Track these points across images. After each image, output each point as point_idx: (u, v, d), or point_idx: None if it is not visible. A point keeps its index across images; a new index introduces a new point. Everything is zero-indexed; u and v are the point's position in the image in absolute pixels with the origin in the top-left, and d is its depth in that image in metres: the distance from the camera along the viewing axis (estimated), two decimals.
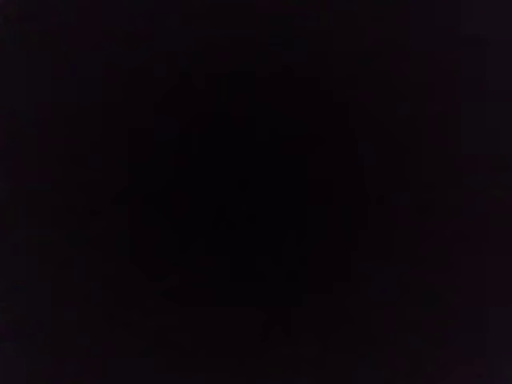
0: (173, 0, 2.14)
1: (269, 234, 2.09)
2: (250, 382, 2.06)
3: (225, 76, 2.12)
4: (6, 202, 2.10)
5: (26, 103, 2.12)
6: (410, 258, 2.09)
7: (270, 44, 2.13)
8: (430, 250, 2.09)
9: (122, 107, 2.12)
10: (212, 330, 2.08)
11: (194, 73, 2.12)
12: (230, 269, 2.09)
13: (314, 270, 2.09)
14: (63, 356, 2.08)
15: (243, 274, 2.08)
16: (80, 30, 2.13)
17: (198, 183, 2.11)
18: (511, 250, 2.09)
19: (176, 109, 2.12)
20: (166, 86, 2.12)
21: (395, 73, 2.12)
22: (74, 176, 2.11)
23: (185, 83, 2.12)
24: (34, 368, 2.07)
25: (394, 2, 2.13)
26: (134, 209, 2.10)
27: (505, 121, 2.12)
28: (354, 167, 2.10)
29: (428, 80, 2.13)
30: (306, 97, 2.12)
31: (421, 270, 2.09)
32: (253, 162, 2.11)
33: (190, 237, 2.09)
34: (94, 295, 2.08)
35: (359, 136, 2.11)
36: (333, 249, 2.09)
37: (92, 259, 2.09)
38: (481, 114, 2.12)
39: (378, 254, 2.09)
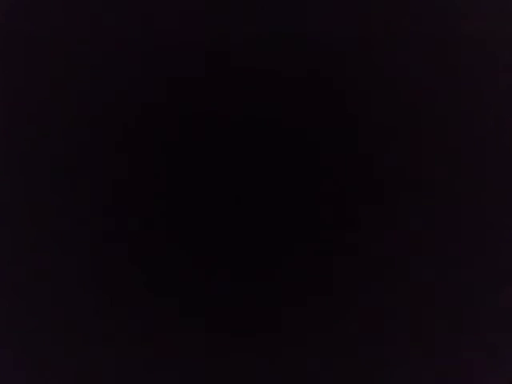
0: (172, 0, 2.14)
1: (268, 235, 2.10)
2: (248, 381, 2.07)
3: (225, 76, 2.13)
4: (6, 203, 2.11)
5: (25, 103, 2.13)
6: (410, 259, 2.09)
7: (269, 43, 2.13)
8: (430, 250, 2.10)
9: (121, 108, 2.12)
10: (210, 329, 2.08)
11: (193, 73, 2.13)
12: (231, 269, 2.09)
13: (313, 269, 2.09)
14: (63, 356, 2.08)
15: (244, 273, 2.09)
16: (80, 29, 2.13)
17: (196, 184, 2.11)
18: (511, 250, 2.09)
19: (175, 109, 2.12)
20: (164, 86, 2.13)
21: (396, 72, 2.12)
22: (73, 176, 2.11)
23: (184, 84, 2.12)
24: (33, 368, 2.08)
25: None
26: (133, 210, 2.10)
27: (505, 121, 2.12)
28: (354, 166, 2.11)
29: (428, 81, 2.13)
30: (306, 96, 2.12)
31: (420, 270, 2.09)
32: (252, 162, 2.11)
33: (188, 238, 2.10)
34: (93, 295, 2.08)
35: (361, 135, 2.11)
36: (332, 250, 2.09)
37: (91, 259, 2.09)
38: (481, 113, 2.13)
39: (377, 255, 2.09)
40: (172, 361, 2.08)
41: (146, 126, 2.12)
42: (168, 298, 2.09)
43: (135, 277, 2.09)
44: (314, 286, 2.09)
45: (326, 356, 2.07)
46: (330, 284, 2.09)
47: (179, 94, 2.12)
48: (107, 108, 2.12)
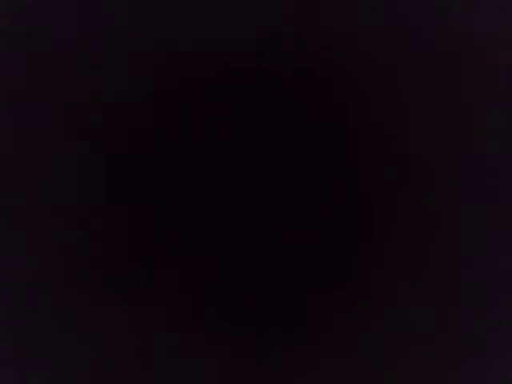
0: (172, 0, 2.14)
1: (269, 233, 2.10)
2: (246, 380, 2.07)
3: (225, 76, 2.12)
4: (7, 203, 2.10)
5: (26, 102, 2.13)
6: (409, 262, 2.09)
7: (269, 43, 2.13)
8: (430, 253, 2.09)
9: (121, 107, 2.12)
10: (209, 328, 2.08)
11: (193, 73, 2.13)
12: (231, 267, 2.09)
13: (314, 270, 2.09)
14: (61, 356, 2.08)
15: (245, 272, 2.09)
16: (80, 29, 2.13)
17: (197, 183, 2.11)
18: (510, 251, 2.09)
19: (175, 109, 2.12)
20: (165, 86, 2.13)
21: (395, 73, 2.12)
22: (74, 175, 2.11)
23: (184, 84, 2.12)
24: (31, 368, 2.08)
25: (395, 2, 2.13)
26: (133, 209, 2.10)
27: (505, 121, 2.12)
28: (354, 168, 2.11)
29: (428, 80, 2.13)
30: (306, 96, 2.12)
31: (420, 272, 2.09)
32: (252, 162, 2.11)
33: (190, 236, 2.09)
34: (93, 294, 2.08)
35: (359, 137, 2.11)
36: (332, 251, 2.09)
37: (92, 258, 2.09)
38: (481, 114, 2.12)
39: (377, 258, 2.09)
40: (172, 361, 2.08)
41: (145, 126, 2.12)
42: (167, 297, 2.08)
43: (135, 276, 2.09)
44: (314, 285, 2.09)
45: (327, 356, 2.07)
46: (331, 281, 2.09)
47: (179, 94, 2.12)
48: (107, 108, 2.12)
